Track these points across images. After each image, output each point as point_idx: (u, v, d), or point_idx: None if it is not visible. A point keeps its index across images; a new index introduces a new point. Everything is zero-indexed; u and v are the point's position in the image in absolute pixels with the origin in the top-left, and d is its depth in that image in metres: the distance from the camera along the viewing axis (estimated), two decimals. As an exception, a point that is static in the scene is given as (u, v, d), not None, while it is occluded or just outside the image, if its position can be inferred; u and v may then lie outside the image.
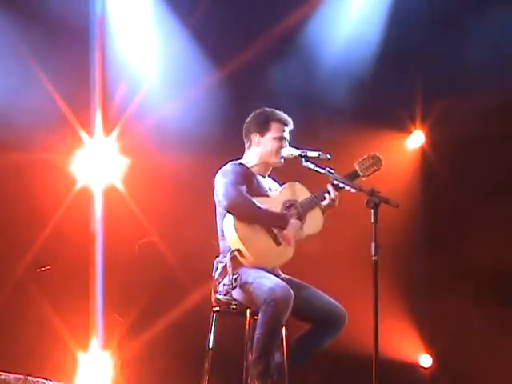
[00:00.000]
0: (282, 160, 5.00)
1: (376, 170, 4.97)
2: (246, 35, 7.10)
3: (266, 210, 4.80)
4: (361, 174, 4.93)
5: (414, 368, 7.60)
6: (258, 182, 4.95)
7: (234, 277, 4.68)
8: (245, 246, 4.71)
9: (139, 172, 7.00)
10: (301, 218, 4.89)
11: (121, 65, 7.03)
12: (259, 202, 4.81)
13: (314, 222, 4.92)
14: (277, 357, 4.73)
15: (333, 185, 4.89)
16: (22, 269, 6.62)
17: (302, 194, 4.98)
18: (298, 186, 5.01)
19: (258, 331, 4.58)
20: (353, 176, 4.90)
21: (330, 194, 4.89)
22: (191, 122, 7.01)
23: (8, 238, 6.55)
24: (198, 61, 7.14)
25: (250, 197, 4.78)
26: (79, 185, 6.88)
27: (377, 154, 5.01)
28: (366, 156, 5.00)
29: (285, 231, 4.80)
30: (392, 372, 6.03)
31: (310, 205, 4.92)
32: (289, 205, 4.92)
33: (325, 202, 4.91)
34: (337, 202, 4.92)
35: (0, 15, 6.55)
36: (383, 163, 5.00)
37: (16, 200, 6.58)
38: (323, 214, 4.96)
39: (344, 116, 7.34)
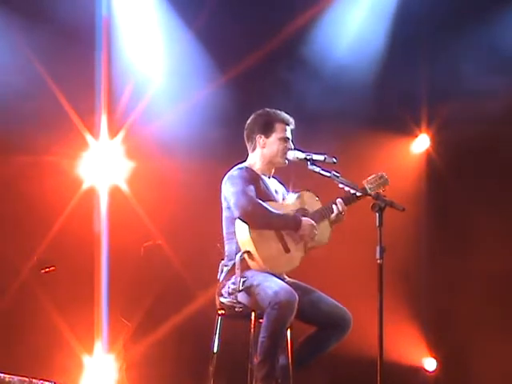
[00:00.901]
0: (287, 161, 5.00)
1: (383, 190, 4.97)
2: (250, 38, 7.11)
3: (278, 214, 4.80)
4: (369, 191, 4.91)
5: (419, 371, 7.59)
6: (264, 185, 4.95)
7: (243, 280, 4.67)
8: (256, 248, 4.71)
9: (144, 174, 7.01)
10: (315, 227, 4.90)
11: (126, 68, 7.04)
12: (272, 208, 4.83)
13: (323, 233, 4.93)
14: (281, 359, 4.72)
15: (342, 199, 4.90)
16: (27, 271, 6.63)
17: (314, 204, 4.99)
18: (310, 195, 5.02)
19: (262, 334, 4.58)
20: (364, 191, 4.89)
21: (337, 207, 4.90)
22: (196, 125, 7.02)
23: (13, 240, 6.56)
24: (203, 64, 7.14)
25: (260, 202, 4.78)
26: (84, 187, 6.89)
27: (384, 175, 5.03)
28: (374, 175, 5.01)
29: (299, 232, 4.81)
30: (397, 375, 6.04)
31: (321, 216, 4.93)
32: (301, 214, 4.92)
33: (333, 215, 4.92)
34: (344, 216, 4.94)
35: (6, 17, 6.56)
36: (389, 183, 5.02)
37: (21, 202, 6.58)
38: (330, 226, 4.97)
39: (349, 120, 7.32)
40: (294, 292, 4.57)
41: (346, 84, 7.32)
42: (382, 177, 5.02)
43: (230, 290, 4.74)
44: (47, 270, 6.67)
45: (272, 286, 4.59)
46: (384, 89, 7.40)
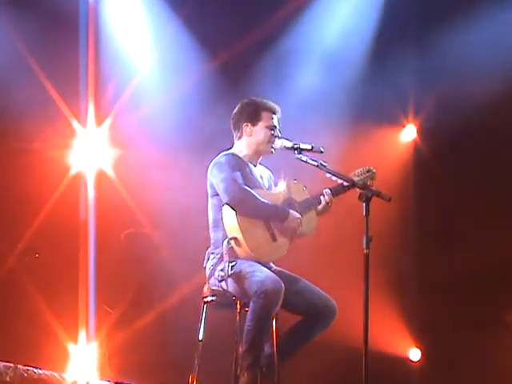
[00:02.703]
0: (273, 150, 4.99)
1: (370, 184, 4.95)
2: (239, 26, 7.08)
3: (267, 204, 4.80)
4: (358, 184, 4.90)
5: (404, 361, 7.61)
6: (250, 172, 4.95)
7: (231, 264, 4.66)
8: (243, 235, 4.70)
9: (131, 162, 6.99)
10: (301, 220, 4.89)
11: (114, 55, 7.01)
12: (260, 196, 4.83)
13: (310, 223, 4.93)
14: (267, 348, 4.73)
15: (330, 190, 4.91)
16: (13, 259, 6.61)
17: (301, 194, 4.99)
18: (297, 185, 5.02)
19: (247, 323, 4.58)
20: (351, 180, 4.85)
21: (325, 198, 4.90)
22: (183, 112, 7.01)
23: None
24: (191, 51, 7.12)
25: (250, 190, 4.79)
26: (71, 174, 6.87)
27: (372, 168, 5.03)
28: (361, 168, 5.02)
29: (284, 224, 4.81)
30: (381, 365, 6.06)
31: (308, 206, 4.94)
32: (287, 204, 4.92)
33: (320, 206, 4.93)
34: (331, 207, 4.95)
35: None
36: (376, 178, 5.02)
37: (7, 189, 6.56)
38: (317, 216, 4.97)
39: (337, 110, 7.33)
40: (280, 281, 4.57)
41: (334, 74, 7.32)
42: (369, 170, 5.03)
43: (219, 278, 4.73)
44: (30, 256, 6.65)
45: (258, 275, 4.59)
46: (372, 79, 7.39)
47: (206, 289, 4.87)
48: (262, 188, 4.95)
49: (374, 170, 5.04)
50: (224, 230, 4.80)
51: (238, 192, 4.75)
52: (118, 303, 6.79)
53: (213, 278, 4.82)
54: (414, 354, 7.65)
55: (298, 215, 4.85)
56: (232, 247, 4.72)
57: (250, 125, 5.01)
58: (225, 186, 4.78)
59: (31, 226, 6.65)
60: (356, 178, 4.94)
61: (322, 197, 4.94)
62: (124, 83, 7.02)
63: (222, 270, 4.71)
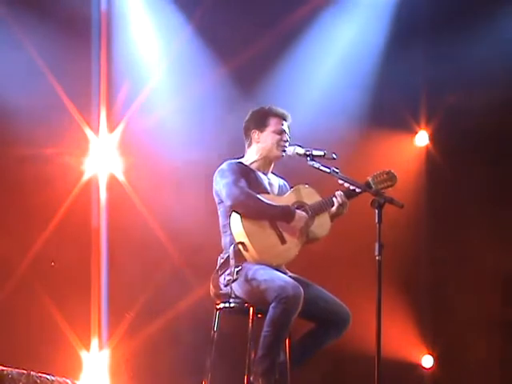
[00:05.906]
0: (283, 154, 4.99)
1: (389, 186, 4.92)
2: (253, 29, 7.08)
3: (271, 205, 4.81)
4: (373, 186, 4.88)
5: (416, 368, 7.59)
6: (257, 178, 4.96)
7: (237, 269, 4.66)
8: (249, 239, 4.71)
9: (143, 168, 7.00)
10: (308, 220, 4.88)
11: (126, 61, 7.02)
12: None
13: (322, 225, 4.92)
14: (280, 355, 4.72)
15: (344, 192, 4.88)
16: (25, 265, 6.61)
17: (312, 197, 4.98)
18: (307, 189, 5.02)
19: (265, 329, 4.57)
20: (364, 187, 4.83)
21: (338, 199, 4.88)
22: (196, 118, 7.02)
23: (11, 234, 6.55)
24: (204, 56, 7.13)
25: (252, 192, 4.80)
26: (83, 180, 6.87)
27: (392, 171, 4.98)
28: (381, 171, 4.97)
29: (291, 224, 4.79)
30: (394, 372, 6.04)
31: (320, 208, 4.92)
32: (297, 206, 4.91)
33: (334, 208, 4.90)
34: (346, 208, 4.92)
35: (4, 10, 6.55)
36: (397, 180, 4.96)
37: (19, 195, 6.58)
38: (331, 219, 4.94)
39: (348, 117, 7.32)
40: (300, 287, 4.57)
41: (346, 80, 7.32)
42: (388, 173, 4.96)
43: (225, 282, 4.73)
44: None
45: (278, 281, 4.59)
46: (383, 86, 7.39)
47: (213, 292, 4.88)
48: (268, 193, 4.94)
49: (395, 173, 4.97)
50: (231, 234, 4.82)
51: (240, 194, 4.77)
52: (130, 309, 6.80)
53: (220, 281, 4.83)
54: (427, 361, 7.62)
55: (305, 214, 4.84)
56: (238, 251, 4.72)
57: (257, 131, 5.04)
58: (227, 191, 4.81)
59: (43, 232, 6.66)
60: (374, 179, 4.89)
61: (334, 198, 4.92)
62: (136, 89, 7.02)
63: (228, 274, 4.72)
